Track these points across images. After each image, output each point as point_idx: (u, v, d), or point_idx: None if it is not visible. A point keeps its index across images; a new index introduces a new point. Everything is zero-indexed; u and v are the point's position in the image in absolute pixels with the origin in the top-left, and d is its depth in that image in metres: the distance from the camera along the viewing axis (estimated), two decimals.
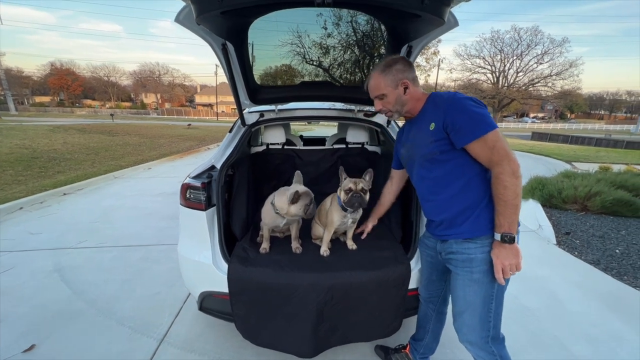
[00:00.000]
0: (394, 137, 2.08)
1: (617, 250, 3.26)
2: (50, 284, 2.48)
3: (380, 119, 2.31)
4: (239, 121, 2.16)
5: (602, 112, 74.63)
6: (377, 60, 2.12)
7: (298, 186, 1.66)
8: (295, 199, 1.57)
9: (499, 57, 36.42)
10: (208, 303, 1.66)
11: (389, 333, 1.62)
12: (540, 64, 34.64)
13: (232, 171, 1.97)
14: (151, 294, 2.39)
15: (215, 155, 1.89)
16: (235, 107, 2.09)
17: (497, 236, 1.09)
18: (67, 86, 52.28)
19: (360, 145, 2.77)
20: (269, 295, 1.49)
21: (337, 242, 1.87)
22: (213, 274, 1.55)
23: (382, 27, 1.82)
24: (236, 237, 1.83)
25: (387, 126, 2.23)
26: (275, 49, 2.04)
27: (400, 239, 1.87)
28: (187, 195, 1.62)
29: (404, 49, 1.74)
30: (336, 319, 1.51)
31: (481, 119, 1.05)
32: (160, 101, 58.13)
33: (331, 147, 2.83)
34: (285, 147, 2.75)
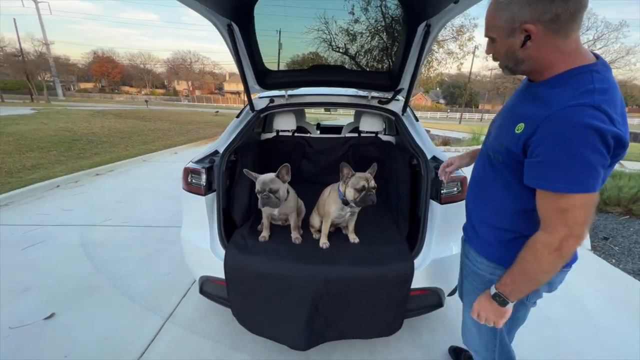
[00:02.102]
0: (408, 128, 1.95)
1: None
2: (74, 258, 2.65)
3: (396, 106, 2.16)
4: (248, 107, 2.12)
5: None
6: (391, 45, 1.97)
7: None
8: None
9: None
10: (207, 287, 1.67)
11: (389, 332, 1.55)
12: (592, 49, 31.34)
13: (235, 157, 1.95)
14: (163, 273, 2.48)
15: (219, 140, 1.87)
16: None
17: (492, 289, 0.91)
18: (107, 73, 55.50)
19: (373, 135, 2.64)
20: (264, 284, 1.47)
21: (339, 234, 1.81)
22: (211, 259, 1.55)
23: (399, 7, 1.67)
24: (236, 223, 1.82)
25: (403, 114, 2.09)
26: (286, 34, 1.96)
27: (407, 235, 1.76)
28: (189, 180, 1.62)
29: (421, 27, 1.59)
30: (332, 314, 1.46)
31: (578, 173, 0.69)
32: (191, 88, 60.14)
33: (343, 136, 2.73)
34: (296, 134, 2.69)
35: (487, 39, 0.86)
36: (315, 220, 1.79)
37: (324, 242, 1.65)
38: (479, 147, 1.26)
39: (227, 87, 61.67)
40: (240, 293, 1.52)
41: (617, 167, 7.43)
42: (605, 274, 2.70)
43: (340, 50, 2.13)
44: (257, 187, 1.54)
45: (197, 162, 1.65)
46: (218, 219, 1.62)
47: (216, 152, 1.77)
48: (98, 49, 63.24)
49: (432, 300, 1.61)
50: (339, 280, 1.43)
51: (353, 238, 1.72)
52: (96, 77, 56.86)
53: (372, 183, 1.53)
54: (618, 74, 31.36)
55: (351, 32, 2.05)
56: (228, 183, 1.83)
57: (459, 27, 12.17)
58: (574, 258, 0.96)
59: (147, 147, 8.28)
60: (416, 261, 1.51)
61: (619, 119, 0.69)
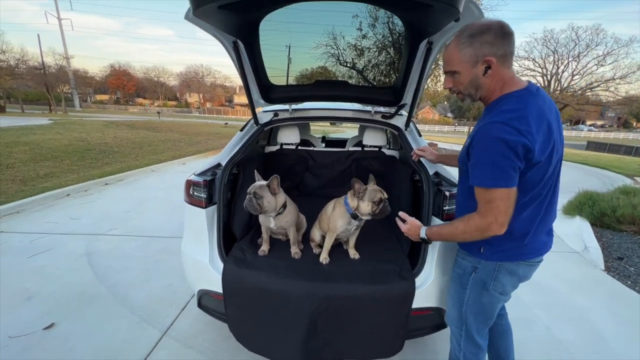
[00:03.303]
0: (411, 143, 1.95)
1: None
2: (78, 267, 2.67)
3: (399, 121, 2.17)
4: (252, 120, 2.15)
5: None
6: (396, 60, 1.99)
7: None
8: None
9: (551, 58, 33.12)
10: (205, 301, 1.65)
11: (389, 354, 1.49)
12: (602, 65, 30.93)
13: (238, 170, 1.96)
14: (164, 285, 2.47)
15: (222, 153, 1.89)
16: None
17: (423, 230, 1.22)
18: (123, 86, 57.50)
19: (377, 149, 2.64)
20: (261, 299, 1.44)
21: (339, 249, 1.77)
22: (209, 273, 1.54)
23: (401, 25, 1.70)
24: (236, 237, 1.81)
25: (406, 129, 2.09)
26: (286, 49, 2.01)
27: (408, 252, 1.72)
28: (190, 192, 1.63)
29: (423, 45, 1.61)
30: (330, 333, 1.42)
31: (493, 172, 0.93)
32: (202, 101, 61.67)
33: (346, 149, 2.73)
34: (300, 147, 2.71)
35: (445, 75, 1.08)
36: (315, 234, 1.77)
37: (324, 258, 1.62)
38: (449, 152, 1.51)
39: (237, 99, 62.99)
40: (238, 308, 1.49)
41: (631, 183, 7.21)
42: (621, 297, 2.57)
43: (348, 65, 2.16)
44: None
45: (199, 174, 1.67)
46: (218, 232, 1.62)
47: (219, 164, 1.78)
48: (115, 62, 65.95)
49: (434, 320, 1.55)
50: (338, 298, 1.39)
51: (353, 253, 1.69)
52: (112, 89, 58.92)
53: (385, 194, 1.53)
54: (630, 89, 30.99)
55: (358, 47, 2.08)
56: (229, 196, 1.83)
57: None
58: (545, 248, 1.12)
59: (157, 157, 8.43)
60: (417, 280, 1.46)
61: (530, 130, 0.89)
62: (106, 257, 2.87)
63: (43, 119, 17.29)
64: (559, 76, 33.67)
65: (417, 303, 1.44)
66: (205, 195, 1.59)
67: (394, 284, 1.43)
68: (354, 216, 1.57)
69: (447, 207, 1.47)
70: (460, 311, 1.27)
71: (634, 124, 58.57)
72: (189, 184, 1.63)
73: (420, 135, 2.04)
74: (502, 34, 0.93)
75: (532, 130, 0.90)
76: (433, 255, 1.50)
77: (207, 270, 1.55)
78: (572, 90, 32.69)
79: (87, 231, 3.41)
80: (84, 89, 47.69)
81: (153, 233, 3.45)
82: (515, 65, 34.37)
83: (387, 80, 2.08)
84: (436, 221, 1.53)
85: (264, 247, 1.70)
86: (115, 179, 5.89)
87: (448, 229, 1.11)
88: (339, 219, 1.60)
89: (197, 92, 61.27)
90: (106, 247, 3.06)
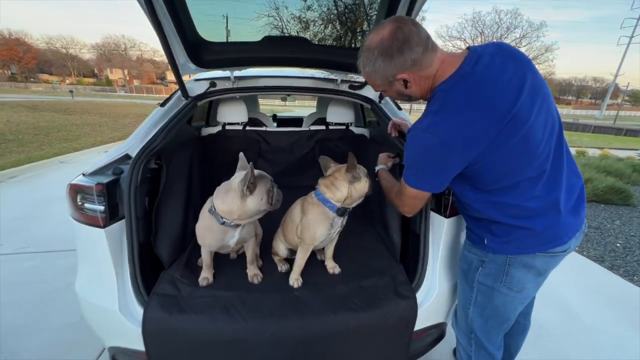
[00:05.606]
0: (389, 116, 1.58)
1: (618, 244, 3.03)
2: None
3: (370, 92, 1.78)
4: (179, 92, 1.55)
5: (570, 97, 77.78)
6: (369, 12, 1.56)
7: (244, 171, 1.12)
8: (250, 185, 1.05)
9: (479, 39, 36.49)
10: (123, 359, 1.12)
11: None
12: (519, 47, 35.09)
13: (158, 163, 1.37)
14: (71, 321, 1.81)
15: (131, 138, 1.28)
16: None
17: (379, 168, 1.26)
18: (19, 58, 47.00)
19: (343, 127, 2.23)
20: (207, 357, 0.98)
21: (313, 263, 1.35)
22: (121, 324, 1.00)
23: None
24: (163, 263, 1.26)
25: (380, 101, 1.71)
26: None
27: (400, 256, 1.39)
28: (78, 203, 1.03)
29: None
30: None
31: (409, 172, 0.94)
32: (127, 78, 53.98)
33: (307, 129, 2.27)
34: (248, 128, 2.16)
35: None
36: (280, 248, 1.32)
37: (295, 279, 1.20)
38: None
39: (170, 76, 56.64)
40: None
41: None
42: (576, 265, 2.68)
43: (308, 21, 1.65)
44: (266, 184, 1.10)
45: (91, 174, 1.07)
46: (131, 261, 1.07)
47: (126, 156, 1.19)
48: (4, 29, 52.73)
49: (434, 335, 1.27)
50: (319, 337, 1.01)
51: (332, 267, 1.30)
52: (3, 62, 47.82)
53: None
54: (540, 69, 35.93)
55: None
56: (147, 203, 1.25)
57: None
58: (569, 234, 0.94)
59: (70, 145, 7.05)
60: (419, 295, 1.14)
61: (448, 130, 0.82)
62: None
63: None
64: None
65: (419, 324, 1.12)
66: (103, 208, 1.01)
67: (390, 305, 1.09)
68: (342, 212, 1.17)
69: (451, 198, 1.13)
70: (466, 315, 1.10)
71: None
72: (74, 191, 1.03)
73: (400, 109, 1.69)
74: (397, 49, 0.82)
75: (451, 129, 0.82)
76: (435, 260, 1.18)
77: (118, 322, 1.01)
78: None
79: None
80: None
81: (58, 246, 2.63)
82: (449, 45, 37.00)
83: (358, 37, 1.64)
84: (434, 216, 1.21)
85: (207, 274, 1.19)
86: (5, 176, 4.57)
87: (387, 181, 1.15)
88: (319, 225, 1.17)
89: (121, 67, 53.30)
90: None
